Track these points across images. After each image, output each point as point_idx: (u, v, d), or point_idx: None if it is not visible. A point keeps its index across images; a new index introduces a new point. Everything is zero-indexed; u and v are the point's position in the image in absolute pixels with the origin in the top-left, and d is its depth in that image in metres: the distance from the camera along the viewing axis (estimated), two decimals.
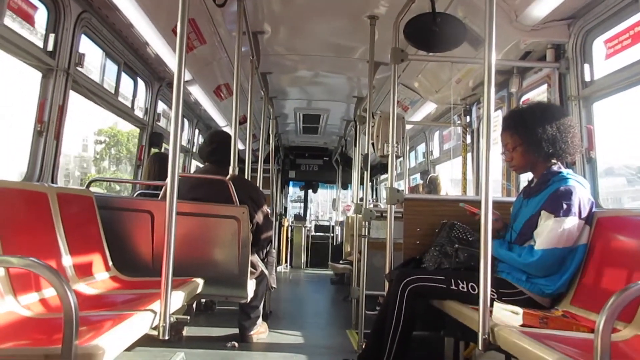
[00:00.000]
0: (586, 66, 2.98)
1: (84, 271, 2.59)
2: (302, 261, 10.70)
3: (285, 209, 12.48)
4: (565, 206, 2.35)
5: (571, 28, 3.01)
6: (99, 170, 29.21)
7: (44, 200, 2.46)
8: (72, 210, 2.67)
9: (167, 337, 1.88)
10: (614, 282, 2.17)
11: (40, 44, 2.92)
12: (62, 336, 1.33)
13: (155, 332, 1.89)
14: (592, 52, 2.97)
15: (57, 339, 1.35)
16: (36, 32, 2.95)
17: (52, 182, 2.97)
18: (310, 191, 12.91)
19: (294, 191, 13.79)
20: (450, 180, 5.31)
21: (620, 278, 2.13)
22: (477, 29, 3.37)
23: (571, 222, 2.34)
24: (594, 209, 2.42)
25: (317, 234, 11.69)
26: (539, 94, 3.47)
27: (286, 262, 10.44)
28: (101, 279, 2.72)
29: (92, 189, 3.13)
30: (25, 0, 2.73)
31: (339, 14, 3.91)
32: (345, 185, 11.35)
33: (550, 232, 2.35)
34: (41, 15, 2.91)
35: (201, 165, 5.04)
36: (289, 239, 10.65)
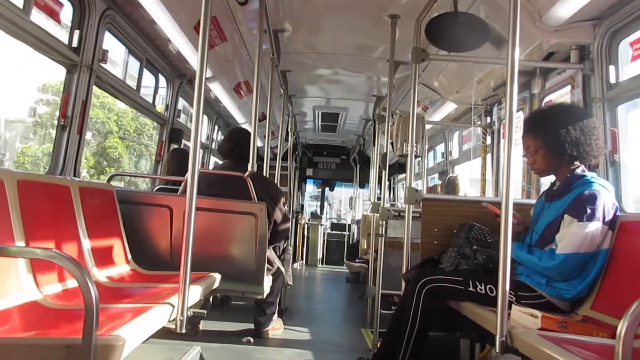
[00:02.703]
0: (611, 68, 2.93)
1: (104, 263, 2.63)
2: (318, 259, 10.72)
3: (302, 206, 12.51)
4: (589, 211, 2.30)
5: (596, 29, 2.96)
6: (42, 139, 20.94)
7: (67, 194, 2.50)
8: (94, 203, 2.71)
9: (184, 331, 1.90)
10: (637, 287, 2.13)
11: (65, 40, 2.97)
12: (82, 327, 1.36)
13: (172, 326, 1.91)
14: (617, 54, 2.92)
15: (78, 329, 1.37)
16: (61, 29, 3.00)
17: (75, 175, 3.03)
18: (327, 189, 12.92)
19: (313, 188, 13.83)
20: (469, 181, 5.27)
21: None
22: (500, 29, 3.33)
23: (594, 227, 2.29)
24: (617, 213, 2.38)
25: (334, 232, 11.71)
26: (562, 96, 3.42)
27: (302, 259, 10.47)
28: (120, 271, 2.76)
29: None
30: None
31: (359, 12, 3.90)
32: (363, 184, 11.33)
33: (572, 236, 2.31)
34: (66, 12, 2.96)
35: (219, 162, 5.07)
36: (306, 237, 10.67)
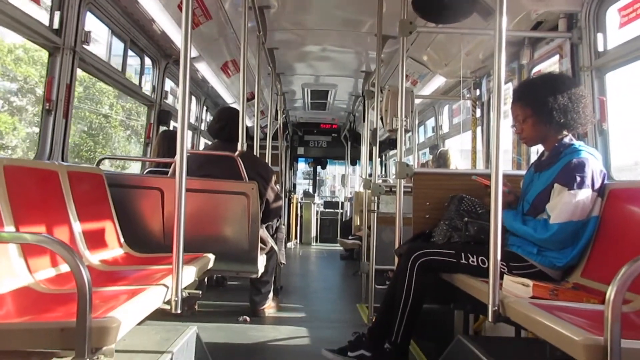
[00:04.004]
0: (599, 36, 2.91)
1: (97, 247, 2.62)
2: (312, 237, 10.77)
3: (295, 185, 12.52)
4: (578, 179, 2.32)
5: None
6: None
7: (55, 178, 2.48)
8: (83, 187, 2.69)
9: (179, 311, 1.90)
10: (626, 253, 2.14)
11: (46, 22, 2.90)
12: (76, 310, 1.35)
13: (167, 307, 1.91)
14: (605, 21, 2.90)
15: (72, 313, 1.37)
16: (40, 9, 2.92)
17: (63, 160, 2.99)
18: (319, 167, 12.93)
19: (305, 167, 13.83)
20: (460, 152, 5.28)
21: (632, 249, 2.11)
22: None
23: (585, 194, 2.31)
24: (605, 181, 2.40)
25: (327, 210, 11.75)
26: (550, 65, 3.41)
27: (296, 238, 10.52)
28: (113, 255, 2.75)
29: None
30: None
31: None
32: (354, 161, 11.34)
33: (564, 205, 2.32)
34: None
35: (209, 143, 5.04)
36: (299, 216, 10.70)
